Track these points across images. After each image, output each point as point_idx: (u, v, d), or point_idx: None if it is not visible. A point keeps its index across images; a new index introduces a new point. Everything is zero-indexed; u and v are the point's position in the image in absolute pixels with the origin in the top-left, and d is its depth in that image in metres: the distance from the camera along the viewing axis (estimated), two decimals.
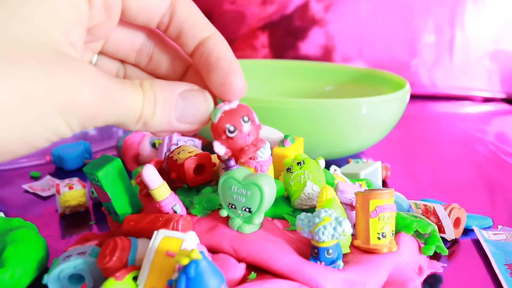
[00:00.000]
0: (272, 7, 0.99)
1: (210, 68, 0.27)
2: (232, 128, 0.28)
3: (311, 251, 0.30)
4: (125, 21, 0.27)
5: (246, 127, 0.29)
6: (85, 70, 0.22)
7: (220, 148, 0.29)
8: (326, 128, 0.53)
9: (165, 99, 0.25)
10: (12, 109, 0.20)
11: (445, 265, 0.36)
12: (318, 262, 0.30)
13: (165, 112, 0.25)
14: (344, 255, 0.32)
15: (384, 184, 0.53)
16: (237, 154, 0.30)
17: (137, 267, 0.28)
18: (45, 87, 0.21)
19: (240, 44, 0.99)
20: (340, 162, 0.56)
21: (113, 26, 0.27)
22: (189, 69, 0.31)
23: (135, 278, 0.27)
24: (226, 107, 0.28)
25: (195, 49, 0.28)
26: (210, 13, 1.00)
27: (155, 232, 0.28)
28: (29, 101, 0.20)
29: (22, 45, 0.21)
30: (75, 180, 0.48)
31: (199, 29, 0.28)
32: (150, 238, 0.28)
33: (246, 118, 0.29)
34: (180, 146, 0.38)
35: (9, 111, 0.20)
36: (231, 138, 0.29)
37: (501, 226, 0.43)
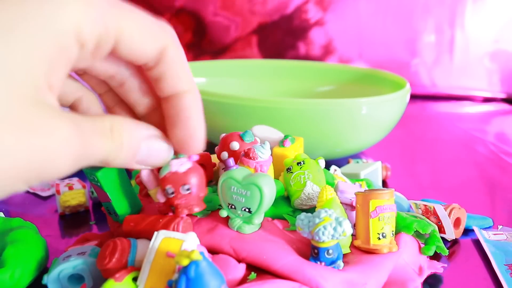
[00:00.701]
0: (272, 7, 0.99)
1: (177, 122, 0.28)
2: (170, 191, 0.31)
3: (311, 251, 0.30)
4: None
5: (184, 194, 0.31)
6: (61, 132, 0.21)
7: (160, 196, 0.32)
8: (326, 128, 0.53)
9: (131, 145, 0.26)
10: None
11: (445, 265, 0.36)
12: (318, 263, 0.30)
13: (129, 155, 0.26)
14: (344, 255, 0.32)
15: (384, 184, 0.53)
16: (172, 208, 0.32)
17: (137, 268, 0.28)
18: (17, 163, 0.20)
19: (240, 44, 0.99)
20: (340, 162, 0.56)
21: (95, 63, 0.27)
22: (156, 109, 0.30)
23: (135, 279, 0.27)
24: (175, 167, 0.30)
25: (169, 98, 0.28)
26: (211, 12, 1.00)
27: (156, 232, 0.28)
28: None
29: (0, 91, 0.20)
30: (75, 180, 0.48)
31: (180, 81, 0.27)
32: (150, 239, 0.28)
33: (186, 187, 0.30)
34: None
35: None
36: (168, 196, 0.31)
37: (501, 226, 0.43)
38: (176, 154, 0.30)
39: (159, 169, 0.38)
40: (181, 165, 0.30)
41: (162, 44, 0.26)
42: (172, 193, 0.30)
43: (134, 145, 0.26)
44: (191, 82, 0.28)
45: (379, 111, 0.54)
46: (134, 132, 0.26)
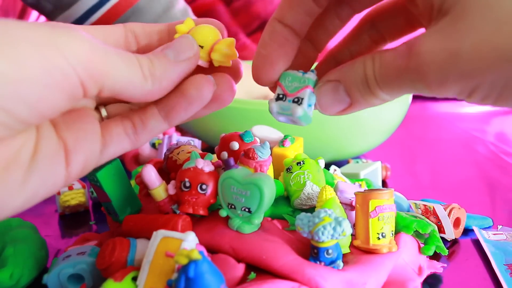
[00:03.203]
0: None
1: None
2: (187, 184, 0.31)
3: (311, 251, 0.30)
4: None
5: (198, 192, 0.31)
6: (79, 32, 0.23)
7: (171, 188, 0.32)
8: (327, 131, 0.52)
9: (154, 53, 0.26)
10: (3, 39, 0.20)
11: (445, 265, 0.36)
12: (318, 262, 0.30)
13: (161, 59, 0.26)
14: (344, 255, 0.32)
15: (384, 184, 0.53)
16: (178, 202, 0.33)
17: (137, 268, 0.28)
18: (31, 26, 0.21)
19: (240, 45, 0.99)
20: (340, 162, 0.56)
21: None
22: None
23: (134, 279, 0.27)
24: (200, 165, 0.32)
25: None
26: (210, 12, 1.00)
27: (155, 232, 0.28)
28: (18, 35, 0.20)
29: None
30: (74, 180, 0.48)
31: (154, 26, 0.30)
32: (149, 238, 0.28)
33: (204, 187, 0.31)
34: (179, 147, 0.38)
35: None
36: (181, 190, 0.31)
37: (501, 226, 0.43)
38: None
39: (161, 166, 0.38)
40: (207, 165, 0.32)
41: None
42: (188, 187, 0.31)
43: (158, 52, 0.26)
44: None
45: (381, 113, 0.54)
46: (151, 52, 0.27)
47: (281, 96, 0.27)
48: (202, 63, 0.28)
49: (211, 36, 0.28)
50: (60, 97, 0.22)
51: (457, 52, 0.20)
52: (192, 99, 0.27)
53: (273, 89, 0.28)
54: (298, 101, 0.26)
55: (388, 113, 0.55)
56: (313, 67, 0.27)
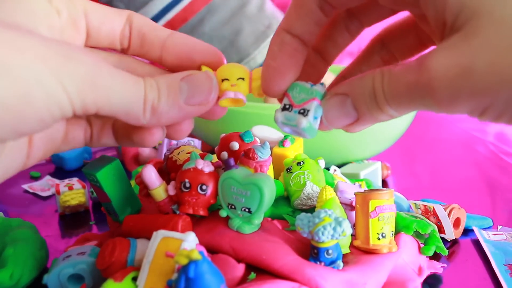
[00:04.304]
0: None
1: (189, 52, 0.29)
2: (187, 185, 0.31)
3: (311, 252, 0.30)
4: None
5: (198, 193, 0.31)
6: (76, 45, 0.24)
7: (171, 189, 0.32)
8: (334, 137, 0.52)
9: (168, 84, 0.25)
10: (4, 61, 0.20)
11: (445, 265, 0.36)
12: (318, 263, 0.30)
13: (171, 95, 0.25)
14: (344, 255, 0.32)
15: (384, 184, 0.53)
16: (178, 202, 0.33)
17: (137, 268, 0.28)
18: (36, 45, 0.21)
19: None
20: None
21: (83, 42, 0.28)
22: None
23: (134, 279, 0.27)
24: (200, 165, 0.32)
25: (163, 49, 0.29)
26: None
27: (155, 232, 0.28)
28: (22, 55, 0.20)
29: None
30: (74, 180, 0.48)
31: (159, 30, 0.29)
32: (149, 238, 0.28)
33: (204, 187, 0.31)
34: (179, 147, 0.38)
35: (1, 62, 0.20)
36: (181, 190, 0.31)
37: (501, 226, 0.43)
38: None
39: (161, 166, 0.38)
40: (207, 166, 0.32)
41: None
42: (188, 188, 0.31)
43: (172, 85, 0.26)
44: (167, 29, 0.29)
45: (389, 121, 0.53)
46: (166, 75, 0.26)
47: (287, 106, 0.26)
48: (242, 97, 0.27)
49: (242, 69, 0.28)
50: (52, 123, 0.22)
51: (470, 68, 0.19)
52: (139, 145, 0.29)
53: (280, 100, 0.27)
54: (304, 112, 0.25)
55: (397, 120, 0.54)
56: (322, 80, 0.27)
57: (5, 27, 0.21)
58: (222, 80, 0.27)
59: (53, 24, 0.26)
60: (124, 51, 0.30)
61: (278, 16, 0.65)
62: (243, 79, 0.27)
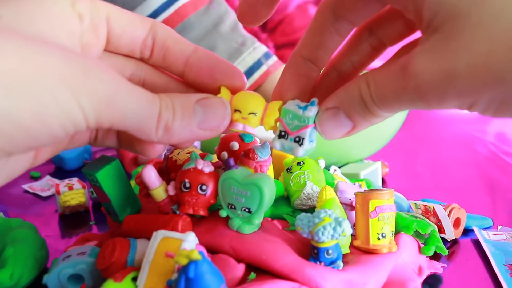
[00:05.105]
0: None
1: (211, 71, 0.28)
2: (187, 185, 0.31)
3: (311, 252, 0.30)
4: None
5: (198, 193, 0.31)
6: (96, 59, 0.23)
7: (171, 189, 0.32)
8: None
9: (183, 106, 0.26)
10: (23, 79, 0.19)
11: (445, 265, 0.36)
12: (318, 263, 0.30)
13: (185, 118, 0.25)
14: (344, 255, 0.32)
15: (384, 183, 0.53)
16: (178, 202, 0.33)
17: (137, 268, 0.28)
18: (55, 62, 0.21)
19: None
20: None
21: (102, 48, 0.28)
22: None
23: (134, 279, 0.27)
24: (200, 165, 0.31)
25: (186, 64, 0.29)
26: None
27: (155, 232, 0.28)
28: (40, 73, 0.20)
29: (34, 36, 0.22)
30: (74, 180, 0.48)
31: (183, 44, 0.29)
32: (149, 238, 0.28)
33: (204, 187, 0.31)
34: None
35: (19, 80, 0.19)
36: (181, 190, 0.31)
37: (501, 226, 0.43)
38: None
39: (161, 166, 0.38)
40: (207, 166, 0.32)
41: None
42: (188, 188, 0.31)
43: (187, 106, 0.26)
44: (191, 43, 0.29)
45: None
46: (182, 96, 0.26)
47: (283, 133, 0.28)
48: (251, 131, 0.28)
49: (257, 102, 0.28)
50: (64, 138, 0.22)
51: (453, 72, 0.20)
52: (140, 154, 0.29)
53: (274, 127, 0.28)
54: (299, 141, 0.27)
55: (391, 118, 0.55)
56: (314, 99, 0.28)
57: (27, 40, 0.21)
58: (235, 110, 0.28)
59: (73, 29, 0.25)
60: (143, 60, 0.29)
61: (251, 36, 0.65)
62: (255, 114, 0.28)
